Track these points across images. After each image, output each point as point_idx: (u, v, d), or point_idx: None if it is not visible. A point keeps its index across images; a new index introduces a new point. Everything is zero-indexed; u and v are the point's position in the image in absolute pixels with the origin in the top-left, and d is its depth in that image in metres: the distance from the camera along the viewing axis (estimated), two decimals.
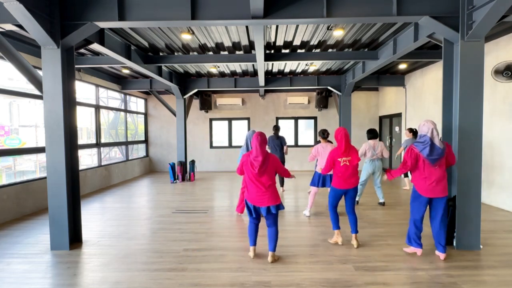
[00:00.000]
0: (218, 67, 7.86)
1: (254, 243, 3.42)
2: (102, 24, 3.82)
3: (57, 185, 3.75)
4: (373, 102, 10.97)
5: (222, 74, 8.84)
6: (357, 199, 5.79)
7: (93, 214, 5.42)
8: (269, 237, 3.36)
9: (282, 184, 7.17)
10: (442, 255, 3.36)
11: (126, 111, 9.83)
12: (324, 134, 5.03)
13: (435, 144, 3.17)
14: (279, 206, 3.27)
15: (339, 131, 3.74)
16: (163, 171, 11.09)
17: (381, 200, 5.77)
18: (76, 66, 6.24)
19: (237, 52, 6.49)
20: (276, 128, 6.99)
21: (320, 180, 4.93)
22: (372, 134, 5.64)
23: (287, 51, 6.41)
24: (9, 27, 3.75)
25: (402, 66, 7.90)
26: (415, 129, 6.58)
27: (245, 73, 8.80)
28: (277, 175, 3.84)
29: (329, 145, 4.93)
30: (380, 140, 10.71)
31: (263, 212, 3.22)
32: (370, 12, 3.70)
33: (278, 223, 3.37)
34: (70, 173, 3.86)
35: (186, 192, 7.40)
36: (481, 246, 3.64)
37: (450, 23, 3.59)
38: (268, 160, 3.19)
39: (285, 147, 6.83)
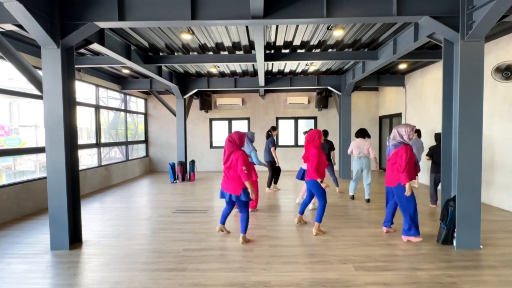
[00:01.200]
0: (218, 67, 7.85)
1: (221, 222, 4.21)
2: (102, 24, 3.82)
3: (57, 185, 3.75)
4: (373, 102, 10.96)
5: (222, 74, 8.84)
6: (352, 193, 6.24)
7: (93, 214, 5.42)
8: (240, 221, 3.92)
9: (269, 185, 7.22)
10: (385, 229, 4.20)
11: (126, 111, 9.82)
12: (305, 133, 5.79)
13: (388, 143, 4.12)
14: (240, 197, 3.76)
15: (310, 132, 4.31)
16: (163, 171, 11.08)
17: (367, 197, 6.07)
18: (76, 66, 6.25)
19: (237, 52, 6.48)
20: (268, 130, 7.22)
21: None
22: (359, 133, 6.07)
23: (287, 51, 6.41)
24: (9, 27, 3.74)
25: (402, 66, 7.90)
26: (419, 129, 6.73)
27: (245, 73, 8.80)
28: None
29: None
30: (380, 140, 10.73)
31: (227, 197, 3.85)
32: (370, 12, 3.71)
33: (248, 211, 3.90)
34: (70, 173, 3.85)
35: (186, 192, 7.40)
36: (481, 246, 3.65)
37: (450, 23, 3.58)
38: (232, 158, 3.74)
39: (272, 149, 6.95)
